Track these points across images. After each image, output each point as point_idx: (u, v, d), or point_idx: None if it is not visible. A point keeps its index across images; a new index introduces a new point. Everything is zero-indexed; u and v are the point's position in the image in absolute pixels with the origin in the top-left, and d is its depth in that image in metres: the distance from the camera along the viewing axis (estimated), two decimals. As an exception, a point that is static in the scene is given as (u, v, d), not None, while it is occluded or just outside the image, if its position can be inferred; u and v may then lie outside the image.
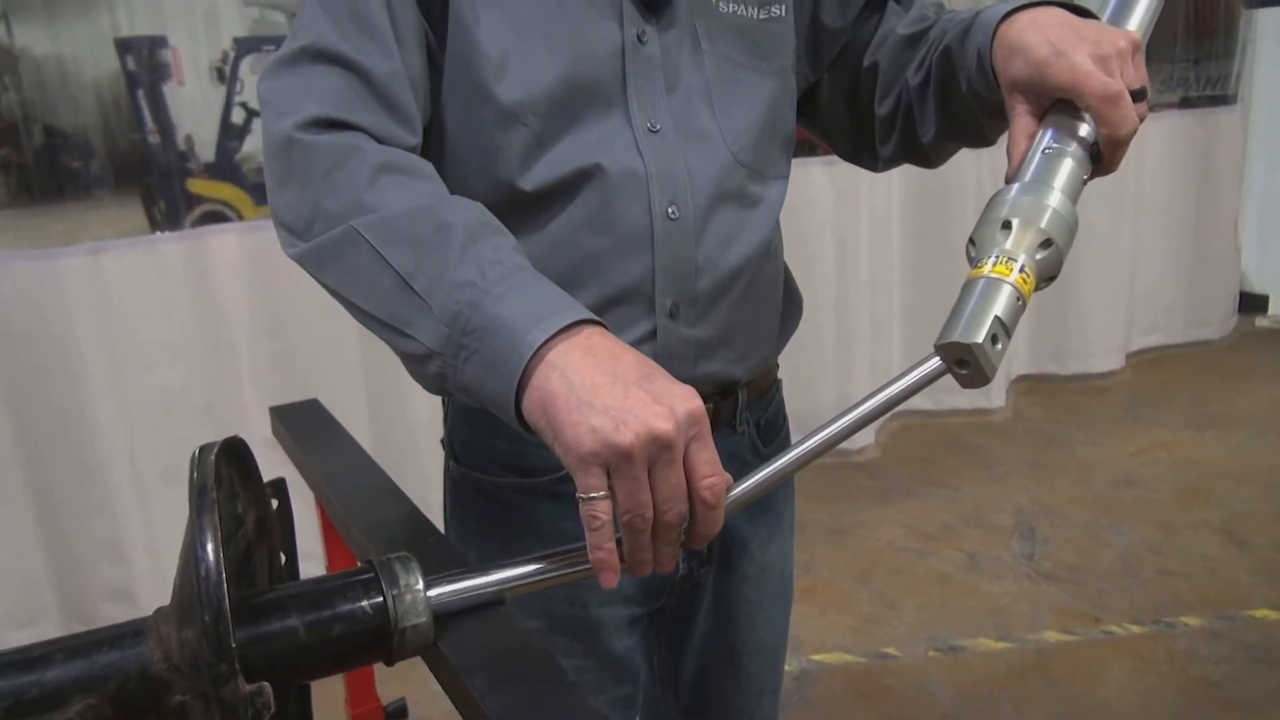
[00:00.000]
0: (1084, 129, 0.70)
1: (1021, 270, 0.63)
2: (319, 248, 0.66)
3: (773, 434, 1.02)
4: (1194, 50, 4.72)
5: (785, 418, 1.06)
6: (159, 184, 6.58)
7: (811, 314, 3.80)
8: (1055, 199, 0.66)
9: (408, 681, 1.00)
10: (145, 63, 6.62)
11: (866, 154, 1.00)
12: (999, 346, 0.61)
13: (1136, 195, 3.82)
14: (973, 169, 3.43)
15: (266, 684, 0.48)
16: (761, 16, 0.89)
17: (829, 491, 3.16)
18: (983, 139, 0.90)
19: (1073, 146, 0.70)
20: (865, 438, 3.39)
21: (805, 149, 4.60)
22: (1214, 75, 4.66)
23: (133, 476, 2.42)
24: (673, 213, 0.83)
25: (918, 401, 3.65)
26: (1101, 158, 0.71)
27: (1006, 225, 0.66)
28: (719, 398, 0.92)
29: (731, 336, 0.90)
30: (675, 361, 0.87)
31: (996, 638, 2.34)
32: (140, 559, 2.45)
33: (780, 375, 1.05)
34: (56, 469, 2.39)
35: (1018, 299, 0.62)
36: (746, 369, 0.93)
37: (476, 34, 0.78)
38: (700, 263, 0.86)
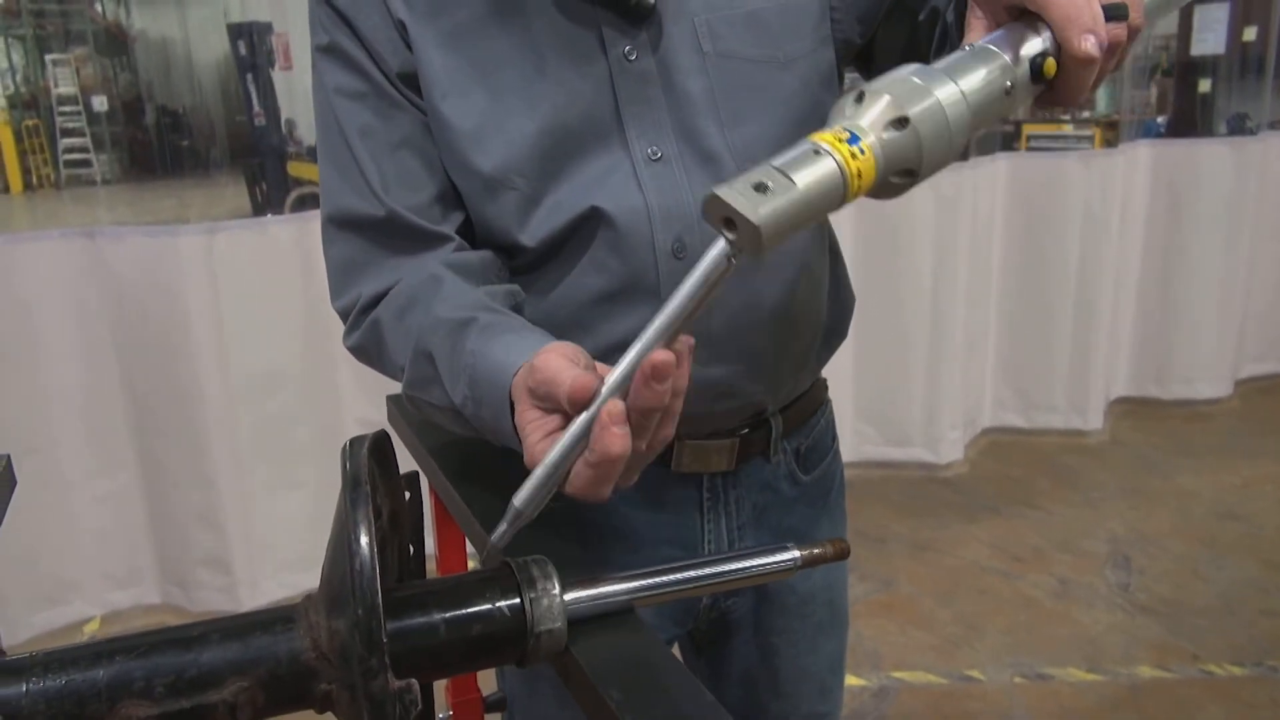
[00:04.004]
0: (1033, 40, 0.58)
1: (855, 143, 0.51)
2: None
3: (816, 460, 0.97)
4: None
5: (834, 438, 1.01)
6: (263, 166, 6.79)
7: (904, 325, 3.69)
8: (942, 88, 0.53)
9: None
10: (255, 47, 6.84)
11: None
12: (767, 196, 0.48)
13: (1255, 215, 3.65)
14: (1082, 181, 3.32)
15: (415, 681, 0.48)
16: None
17: (913, 505, 3.10)
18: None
19: (1007, 51, 0.57)
20: (953, 453, 3.31)
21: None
22: (1344, 92, 4.42)
23: (232, 450, 2.50)
24: (679, 250, 0.78)
25: (1009, 418, 3.56)
26: (1053, 72, 0.58)
27: (861, 97, 0.53)
28: (748, 429, 0.88)
29: (757, 368, 0.85)
30: (691, 402, 0.82)
31: (1086, 668, 2.26)
32: (235, 529, 2.54)
33: (829, 395, 1.00)
34: (164, 439, 2.49)
35: (837, 171, 0.50)
36: (779, 396, 0.89)
37: (444, 110, 0.77)
38: (713, 300, 0.82)
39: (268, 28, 7.03)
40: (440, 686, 1.04)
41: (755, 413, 0.88)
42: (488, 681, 1.03)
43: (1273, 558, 2.72)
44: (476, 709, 1.01)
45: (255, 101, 6.67)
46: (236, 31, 6.93)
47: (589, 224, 0.78)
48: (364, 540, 0.49)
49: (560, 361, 0.58)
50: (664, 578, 0.61)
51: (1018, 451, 3.49)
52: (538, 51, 0.77)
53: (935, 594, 2.62)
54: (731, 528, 0.92)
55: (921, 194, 3.07)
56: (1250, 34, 4.08)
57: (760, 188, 0.49)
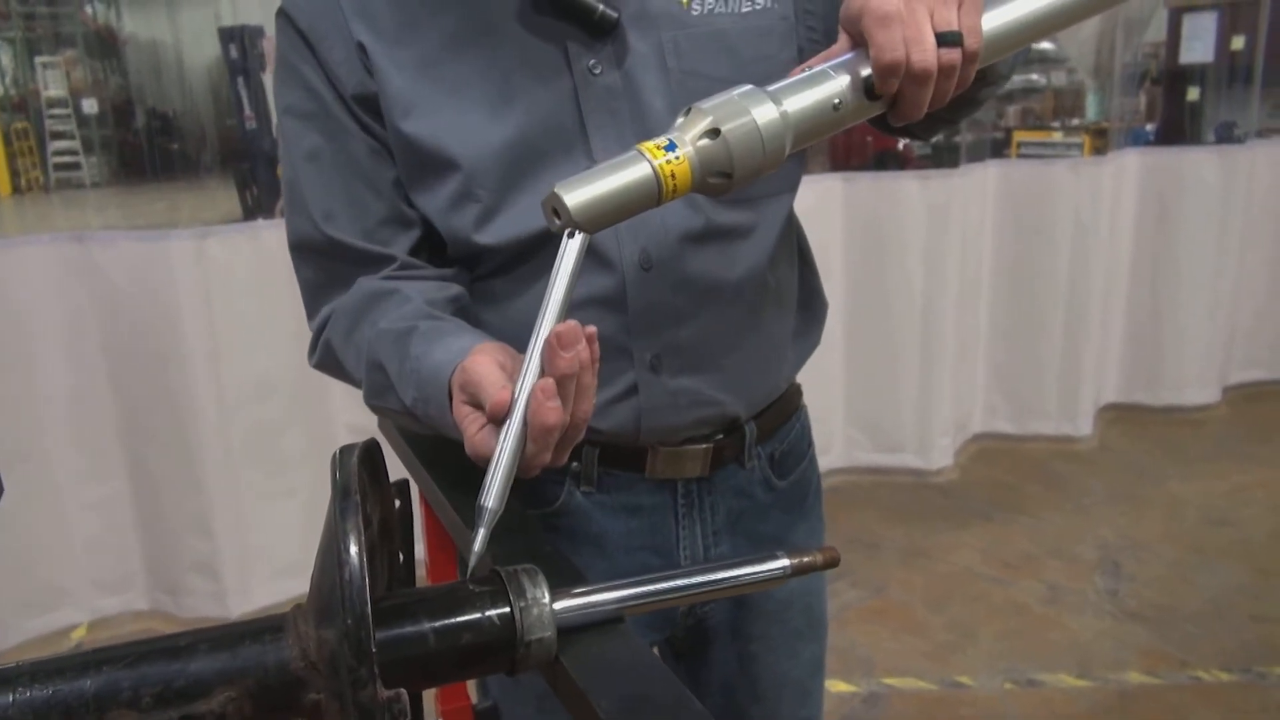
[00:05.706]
0: (864, 62, 0.64)
1: (671, 150, 0.61)
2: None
3: (791, 465, 0.97)
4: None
5: (810, 444, 1.02)
6: (254, 170, 6.77)
7: (895, 331, 3.69)
8: (760, 107, 0.62)
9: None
10: (247, 51, 6.81)
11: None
12: (583, 186, 0.60)
13: (1244, 224, 3.67)
14: (1072, 188, 3.34)
15: (404, 690, 0.48)
16: (745, 9, 0.81)
17: (905, 510, 3.11)
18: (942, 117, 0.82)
19: (844, 73, 0.64)
20: (944, 459, 3.31)
21: (895, 161, 4.51)
22: (1331, 101, 4.45)
23: (223, 456, 2.49)
24: (645, 262, 0.80)
25: (999, 424, 3.58)
26: (877, 92, 0.64)
27: (687, 111, 0.63)
28: (721, 436, 0.89)
29: (727, 378, 0.86)
30: (663, 413, 0.84)
31: (1077, 674, 2.26)
32: (226, 535, 2.53)
33: (804, 401, 1.00)
34: (154, 444, 2.48)
35: (650, 171, 0.60)
36: (750, 404, 0.90)
37: (406, 129, 0.78)
38: (681, 309, 0.82)
39: (259, 31, 6.99)
40: (430, 696, 1.04)
41: (727, 420, 0.89)
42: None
43: (1262, 563, 2.73)
44: (466, 718, 1.00)
45: (246, 105, 6.65)
46: (228, 35, 6.89)
47: (553, 235, 0.79)
48: (353, 550, 0.48)
49: (487, 367, 0.63)
50: (653, 586, 0.61)
51: (1008, 458, 3.50)
52: (503, 68, 0.78)
53: (927, 600, 2.62)
54: (706, 534, 0.92)
55: (912, 200, 3.08)
56: (1238, 43, 4.11)
57: (582, 180, 0.60)
